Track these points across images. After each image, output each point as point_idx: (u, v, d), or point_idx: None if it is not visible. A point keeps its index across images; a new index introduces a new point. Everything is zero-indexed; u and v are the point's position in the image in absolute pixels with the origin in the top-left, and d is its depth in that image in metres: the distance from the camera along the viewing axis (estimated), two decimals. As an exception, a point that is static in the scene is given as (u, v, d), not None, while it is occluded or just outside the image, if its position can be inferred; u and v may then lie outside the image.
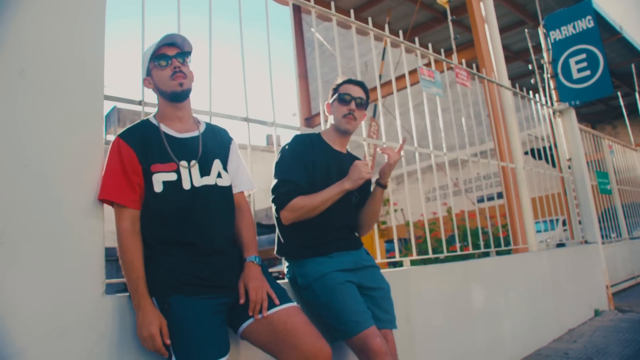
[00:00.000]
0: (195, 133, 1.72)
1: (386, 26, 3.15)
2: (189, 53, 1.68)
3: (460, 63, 3.82)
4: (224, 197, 1.69)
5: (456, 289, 2.96)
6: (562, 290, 4.14)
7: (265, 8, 2.52)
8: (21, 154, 1.40)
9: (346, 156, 2.12)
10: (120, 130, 1.65)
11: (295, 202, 1.85)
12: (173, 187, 1.57)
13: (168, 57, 1.62)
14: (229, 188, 1.73)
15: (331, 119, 2.12)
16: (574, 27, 5.18)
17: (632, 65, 9.36)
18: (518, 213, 4.38)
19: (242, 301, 1.57)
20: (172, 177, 1.58)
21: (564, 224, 6.24)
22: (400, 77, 4.40)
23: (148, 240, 1.55)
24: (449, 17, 4.25)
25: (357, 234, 2.14)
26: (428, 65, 3.51)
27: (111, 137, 1.69)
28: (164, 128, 1.65)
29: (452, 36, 3.99)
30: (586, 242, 5.11)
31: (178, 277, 1.51)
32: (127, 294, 1.54)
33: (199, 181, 1.62)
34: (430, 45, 3.48)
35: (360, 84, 2.08)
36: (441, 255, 3.12)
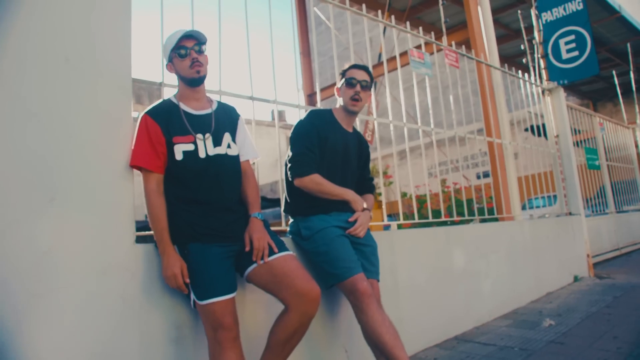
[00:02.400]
0: (208, 110, 2.04)
1: (379, 12, 3.41)
2: (204, 43, 1.99)
3: (450, 45, 4.08)
4: (232, 164, 2.02)
5: (438, 250, 3.31)
6: (542, 257, 4.49)
7: (267, -3, 2.80)
8: (68, 127, 1.73)
9: (352, 135, 2.48)
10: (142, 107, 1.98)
11: (316, 177, 2.23)
12: (191, 155, 1.90)
13: (187, 49, 1.93)
14: (237, 157, 2.06)
15: (340, 101, 2.46)
16: (564, 9, 5.40)
17: (628, 45, 9.50)
18: (503, 186, 4.70)
19: (247, 249, 1.92)
20: (190, 147, 1.91)
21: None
22: (401, 55, 4.67)
23: (171, 199, 1.89)
24: (440, 2, 4.48)
25: None
26: (419, 47, 3.78)
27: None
28: (183, 106, 1.97)
29: (443, 19, 4.23)
30: (570, 213, 5.44)
31: (195, 229, 1.85)
32: (154, 243, 1.89)
33: (212, 151, 1.95)
34: (421, 29, 3.74)
35: (364, 68, 2.42)
36: (427, 221, 3.46)
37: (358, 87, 2.37)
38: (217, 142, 1.98)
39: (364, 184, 2.57)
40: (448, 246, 3.40)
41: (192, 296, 1.80)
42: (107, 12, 1.91)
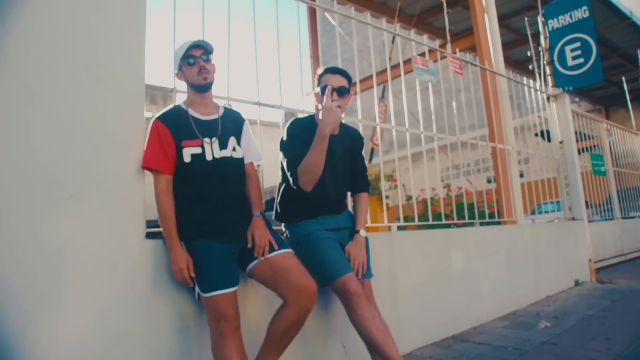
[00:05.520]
0: (215, 116, 2.18)
1: (383, 21, 3.53)
2: (211, 52, 2.13)
3: (455, 52, 4.18)
4: (237, 167, 2.16)
5: (437, 252, 3.42)
6: (543, 261, 4.56)
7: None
8: (85, 130, 1.87)
9: (337, 136, 2.42)
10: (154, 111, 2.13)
11: (299, 169, 2.20)
12: (198, 158, 2.04)
13: (195, 57, 2.07)
14: (242, 160, 2.20)
15: (320, 106, 2.35)
16: (570, 16, 5.47)
17: (638, 51, 9.49)
18: (505, 190, 4.78)
19: (249, 246, 2.05)
20: (198, 150, 2.05)
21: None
22: (406, 62, 4.79)
23: (179, 198, 2.03)
24: (445, 10, 4.56)
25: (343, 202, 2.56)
26: (427, 53, 3.90)
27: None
28: (191, 112, 2.11)
29: (447, 27, 4.32)
30: (573, 218, 5.49)
31: (201, 226, 1.99)
32: (162, 239, 2.03)
33: (218, 154, 2.09)
34: (425, 37, 3.85)
35: (340, 72, 2.35)
36: (427, 223, 3.56)
37: (335, 95, 2.24)
38: (223, 146, 2.12)
39: (357, 181, 2.54)
40: (447, 248, 3.50)
41: (197, 289, 1.94)
42: (123, 24, 2.06)
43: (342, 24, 9.02)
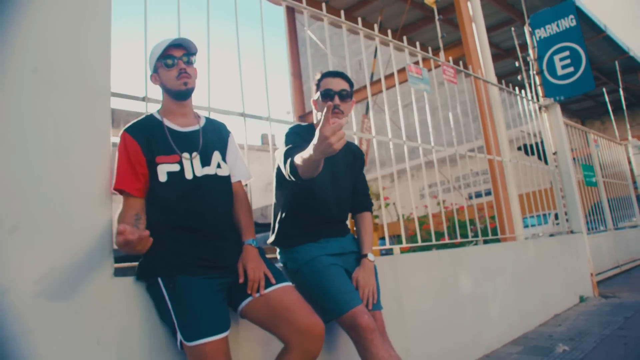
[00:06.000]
0: (196, 127, 1.85)
1: (376, 26, 3.29)
2: (193, 53, 1.81)
3: (448, 61, 3.96)
4: (223, 186, 1.83)
5: (444, 275, 3.11)
6: (548, 277, 4.30)
7: (260, 8, 2.65)
8: (35, 147, 1.52)
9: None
10: (116, 130, 1.79)
11: (296, 157, 1.72)
12: (176, 176, 1.70)
13: (174, 58, 1.75)
14: (228, 177, 1.87)
15: (318, 115, 2.17)
16: (557, 25, 5.36)
17: (616, 63, 9.57)
18: (505, 204, 4.54)
19: (241, 280, 1.71)
20: (176, 167, 1.71)
21: (555, 217, 6.42)
22: (391, 76, 4.56)
23: (155, 226, 1.68)
24: (436, 17, 4.38)
25: (345, 222, 2.27)
26: (417, 63, 3.66)
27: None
28: (167, 122, 1.78)
29: (440, 35, 4.13)
30: (572, 232, 5.28)
31: (182, 259, 1.64)
32: (135, 275, 1.68)
33: (200, 171, 1.76)
34: (418, 43, 3.62)
35: (340, 75, 2.11)
36: (429, 244, 3.26)
37: (337, 99, 2.03)
38: (205, 162, 1.79)
39: (359, 200, 2.27)
40: (453, 269, 3.20)
41: (179, 336, 1.58)
42: (82, 18, 1.73)
43: (319, 42, 8.85)
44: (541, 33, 5.48)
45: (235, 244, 1.80)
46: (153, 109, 1.92)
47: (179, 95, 1.79)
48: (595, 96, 13.09)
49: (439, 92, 3.73)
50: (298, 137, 1.98)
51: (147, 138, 1.71)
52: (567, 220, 5.33)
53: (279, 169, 2.10)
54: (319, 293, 1.94)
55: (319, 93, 2.12)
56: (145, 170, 1.69)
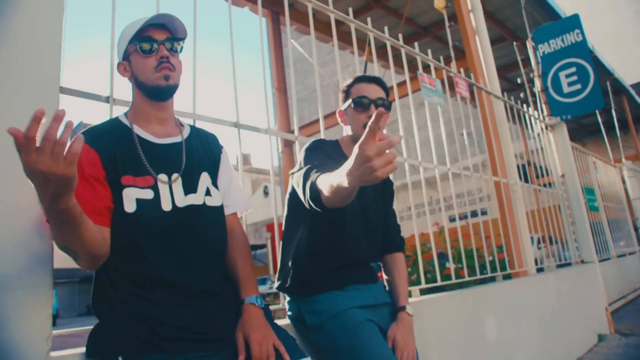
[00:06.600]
0: (177, 139, 1.35)
1: (371, 37, 2.87)
2: (181, 39, 1.32)
3: (459, 72, 3.56)
4: (214, 221, 1.32)
5: (469, 318, 2.63)
6: (568, 315, 3.86)
7: (230, 19, 2.18)
8: None
9: None
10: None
11: (320, 180, 1.25)
12: (149, 207, 1.19)
13: (154, 42, 1.26)
14: (220, 209, 1.36)
15: (347, 129, 1.73)
16: (562, 40, 5.05)
17: (608, 83, 9.45)
18: (513, 233, 4.10)
19: (241, 358, 1.18)
20: (148, 194, 1.20)
21: (539, 242, 6.01)
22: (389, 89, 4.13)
23: (113, 279, 1.16)
24: (447, 24, 4.03)
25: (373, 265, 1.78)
26: (433, 71, 3.23)
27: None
28: (138, 130, 1.27)
29: (451, 43, 3.76)
30: (582, 261, 4.89)
31: (155, 329, 1.11)
32: (80, 350, 1.15)
33: (182, 200, 1.25)
34: (430, 52, 3.21)
35: (377, 81, 1.70)
36: (449, 282, 2.78)
37: (373, 109, 1.62)
38: (190, 188, 1.29)
39: (391, 237, 1.81)
40: (479, 312, 2.72)
41: None
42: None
43: (307, 55, 8.44)
44: (545, 48, 5.17)
45: (231, 303, 1.28)
46: (120, 112, 1.41)
47: (157, 92, 1.28)
48: (578, 118, 13.03)
49: (430, 106, 3.26)
50: (321, 153, 1.52)
51: (111, 149, 1.20)
52: (577, 248, 4.93)
53: (292, 194, 1.63)
54: (349, 358, 1.45)
55: (350, 101, 1.68)
56: (107, 191, 1.18)
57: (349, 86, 1.71)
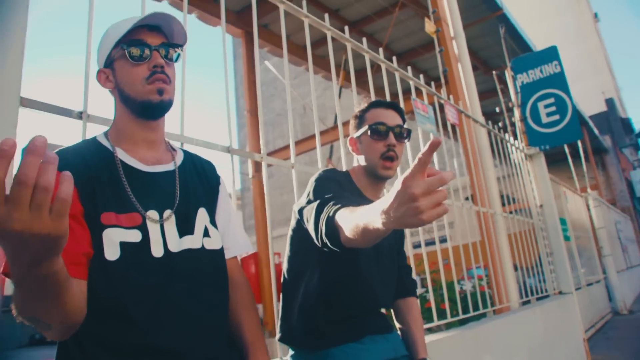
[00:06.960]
0: (170, 166, 1.10)
1: (350, 62, 2.73)
2: (179, 45, 1.09)
3: (449, 99, 3.45)
4: (214, 269, 1.08)
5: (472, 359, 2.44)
6: (553, 348, 3.75)
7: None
8: None
9: None
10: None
11: (339, 216, 1.04)
12: (136, 253, 0.94)
13: (147, 47, 1.02)
14: (220, 252, 1.12)
15: (360, 160, 1.55)
16: (541, 71, 5.10)
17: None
18: (493, 265, 3.98)
19: None
20: (135, 236, 0.95)
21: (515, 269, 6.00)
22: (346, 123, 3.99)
23: (87, 349, 0.90)
24: (437, 49, 3.96)
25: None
26: (426, 97, 3.10)
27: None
28: (122, 155, 1.02)
29: (441, 68, 3.67)
30: (560, 292, 4.83)
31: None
32: None
33: (177, 244, 1.00)
34: (422, 76, 3.09)
35: (393, 106, 1.53)
36: (451, 320, 2.59)
37: (392, 138, 1.46)
38: (186, 228, 1.04)
39: (403, 280, 1.63)
40: (477, 353, 2.54)
41: None
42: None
43: (280, 77, 8.29)
44: (523, 78, 5.20)
45: (235, 373, 1.04)
46: (95, 132, 1.15)
47: (147, 109, 1.04)
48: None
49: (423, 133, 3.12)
50: (335, 184, 1.32)
51: (88, 178, 0.95)
52: (552, 280, 4.88)
53: (297, 230, 1.40)
54: None
55: (365, 128, 1.50)
56: (86, 233, 0.92)
57: (364, 111, 1.55)
